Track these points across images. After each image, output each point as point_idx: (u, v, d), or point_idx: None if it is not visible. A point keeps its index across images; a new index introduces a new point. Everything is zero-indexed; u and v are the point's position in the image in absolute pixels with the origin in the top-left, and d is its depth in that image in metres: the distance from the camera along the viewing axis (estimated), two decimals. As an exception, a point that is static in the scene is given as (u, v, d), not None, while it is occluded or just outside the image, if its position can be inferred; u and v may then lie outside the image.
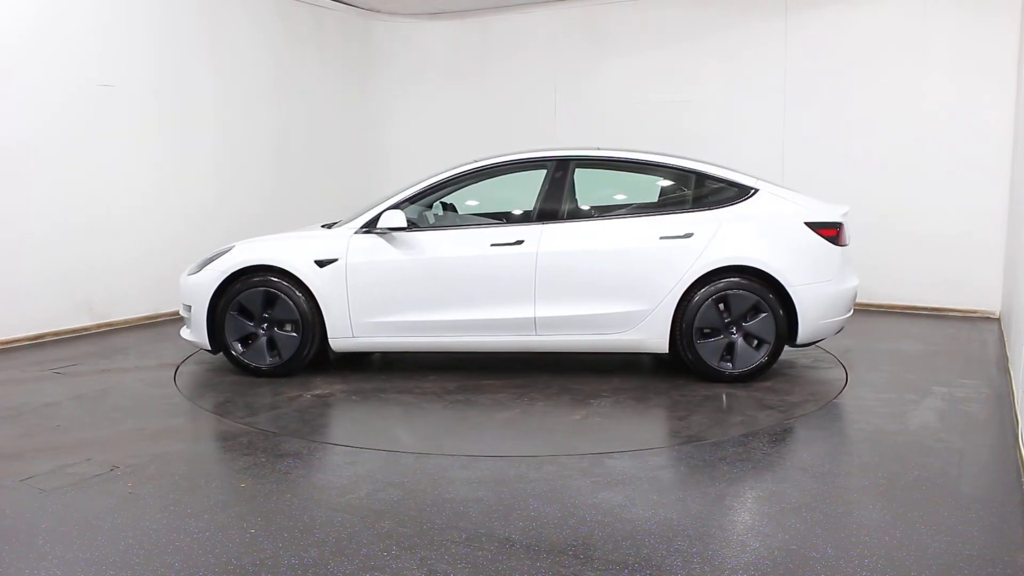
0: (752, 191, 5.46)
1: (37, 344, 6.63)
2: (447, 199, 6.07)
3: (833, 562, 2.92)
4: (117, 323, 7.36)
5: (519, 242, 5.41)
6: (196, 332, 5.67)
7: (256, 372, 5.61)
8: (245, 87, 8.47)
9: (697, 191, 5.60)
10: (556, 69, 9.50)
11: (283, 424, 4.63)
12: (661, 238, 5.34)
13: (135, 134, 7.42)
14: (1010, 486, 3.63)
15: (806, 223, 5.34)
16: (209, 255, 5.80)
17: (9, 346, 6.50)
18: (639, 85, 9.05)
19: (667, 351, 5.40)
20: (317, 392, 5.31)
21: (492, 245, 5.44)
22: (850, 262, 5.54)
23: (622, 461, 3.99)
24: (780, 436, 4.35)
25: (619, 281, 5.36)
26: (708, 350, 5.32)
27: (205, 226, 8.01)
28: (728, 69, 8.63)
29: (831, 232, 5.36)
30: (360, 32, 9.94)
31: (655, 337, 5.37)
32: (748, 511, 3.39)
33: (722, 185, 5.54)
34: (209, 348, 5.66)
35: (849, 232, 5.52)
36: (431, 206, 5.98)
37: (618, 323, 5.37)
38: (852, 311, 5.62)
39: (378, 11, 9.95)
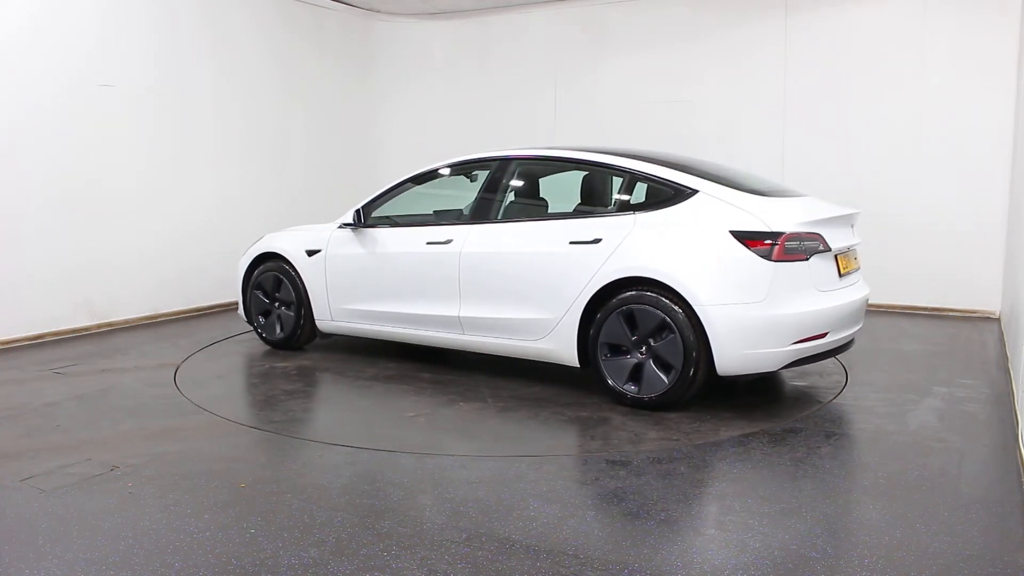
0: (691, 193, 4.74)
1: (37, 344, 6.63)
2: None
3: (833, 562, 2.92)
4: (117, 323, 7.35)
5: (448, 241, 5.45)
6: (240, 307, 6.63)
7: (270, 343, 6.47)
8: (246, 88, 8.47)
9: (626, 192, 5.00)
10: (556, 69, 9.50)
11: (188, 368, 5.68)
12: (571, 243, 4.95)
13: (136, 134, 7.42)
14: (1010, 486, 3.63)
15: (731, 231, 4.50)
16: (252, 242, 6.74)
17: (9, 346, 6.50)
18: (639, 85, 9.04)
19: (578, 365, 4.97)
20: (278, 364, 5.99)
21: (428, 243, 5.56)
22: (810, 281, 4.55)
23: (622, 461, 3.99)
24: (780, 436, 4.34)
25: (529, 286, 5.08)
26: (612, 368, 4.78)
27: (205, 226, 8.03)
28: (728, 69, 8.62)
29: (761, 244, 4.43)
30: (360, 32, 9.93)
31: (564, 348, 4.98)
32: (748, 511, 3.39)
33: (658, 186, 4.90)
34: (246, 319, 6.60)
35: (823, 241, 4.63)
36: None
37: (530, 330, 5.10)
38: (830, 338, 4.66)
39: (378, 11, 9.95)
